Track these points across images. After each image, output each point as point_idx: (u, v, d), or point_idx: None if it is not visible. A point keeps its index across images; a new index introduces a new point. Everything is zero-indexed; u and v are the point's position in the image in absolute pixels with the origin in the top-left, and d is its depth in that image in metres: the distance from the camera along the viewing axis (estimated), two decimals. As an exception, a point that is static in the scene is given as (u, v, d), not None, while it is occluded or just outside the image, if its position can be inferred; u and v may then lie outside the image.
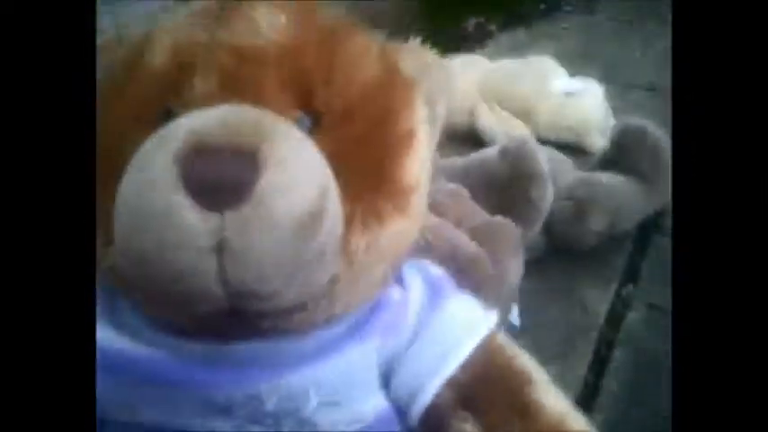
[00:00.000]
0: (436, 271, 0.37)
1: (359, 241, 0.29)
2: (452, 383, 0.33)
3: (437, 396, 0.32)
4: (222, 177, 0.24)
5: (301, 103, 0.29)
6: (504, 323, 0.63)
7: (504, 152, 0.71)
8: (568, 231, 0.76)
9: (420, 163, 0.32)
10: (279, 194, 0.24)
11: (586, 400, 0.65)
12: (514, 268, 0.63)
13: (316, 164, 0.27)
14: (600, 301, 0.77)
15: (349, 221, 0.28)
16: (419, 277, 0.36)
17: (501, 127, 0.99)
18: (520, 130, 0.97)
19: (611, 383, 0.68)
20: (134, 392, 0.31)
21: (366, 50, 0.32)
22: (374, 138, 0.30)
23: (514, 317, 0.65)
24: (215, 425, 0.31)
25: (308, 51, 0.30)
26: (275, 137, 0.25)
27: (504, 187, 0.70)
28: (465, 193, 0.71)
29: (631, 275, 0.81)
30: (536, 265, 0.77)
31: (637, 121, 0.80)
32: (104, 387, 0.30)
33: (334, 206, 0.27)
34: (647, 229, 0.85)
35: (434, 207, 0.67)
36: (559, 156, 0.84)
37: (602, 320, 0.75)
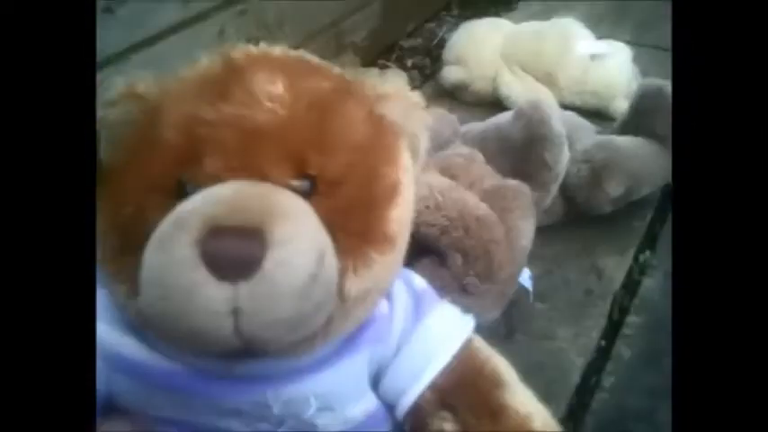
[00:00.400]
0: (420, 282, 0.41)
1: (351, 287, 0.33)
2: (433, 387, 0.37)
3: (420, 398, 0.37)
4: (235, 255, 0.28)
5: (298, 171, 0.33)
6: (515, 284, 0.63)
7: (519, 115, 0.70)
8: (585, 196, 0.75)
9: (405, 208, 0.36)
10: (283, 267, 0.29)
11: (598, 364, 0.65)
12: (526, 230, 0.63)
13: (314, 233, 0.31)
14: (617, 267, 0.76)
15: (343, 272, 0.33)
16: (404, 289, 0.40)
17: (524, 93, 0.97)
18: (543, 96, 0.95)
19: (623, 348, 0.68)
20: (151, 394, 0.36)
21: (355, 114, 0.35)
22: (363, 197, 0.34)
23: (525, 279, 0.65)
24: (227, 423, 0.35)
25: (302, 122, 0.33)
26: (278, 215, 0.30)
27: (519, 150, 0.70)
28: (479, 156, 0.71)
29: (650, 243, 0.80)
30: (554, 230, 0.77)
31: (655, 81, 0.78)
32: (120, 385, 0.35)
33: (330, 264, 0.31)
34: (667, 196, 0.83)
35: (447, 170, 0.67)
36: (579, 120, 0.83)
37: (617, 286, 0.74)
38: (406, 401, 0.37)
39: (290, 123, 0.33)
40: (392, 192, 0.35)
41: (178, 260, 0.28)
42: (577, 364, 0.64)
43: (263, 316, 0.29)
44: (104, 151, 0.36)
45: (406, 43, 1.22)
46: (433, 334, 0.39)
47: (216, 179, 0.32)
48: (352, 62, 1.06)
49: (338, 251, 0.32)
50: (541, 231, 0.68)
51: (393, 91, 0.38)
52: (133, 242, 0.32)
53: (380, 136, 0.36)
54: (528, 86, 0.99)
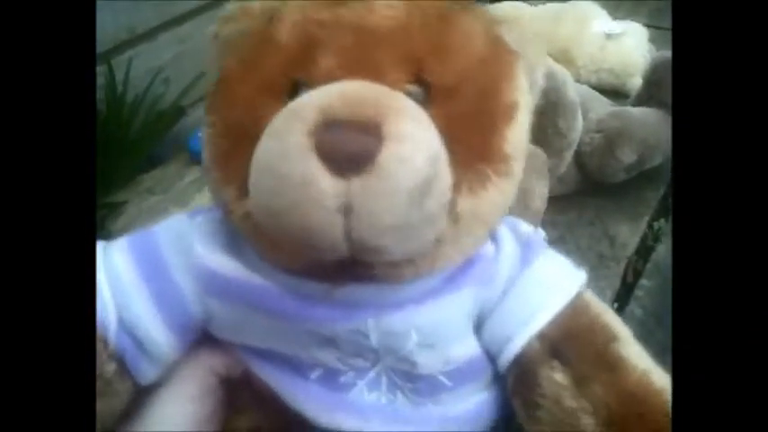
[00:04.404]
0: (527, 228, 0.39)
1: (464, 205, 0.31)
2: (542, 336, 0.35)
3: (526, 346, 0.35)
4: (349, 148, 0.27)
5: (414, 76, 0.32)
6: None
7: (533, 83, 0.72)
8: (599, 164, 0.77)
9: (521, 131, 0.34)
10: (398, 164, 0.27)
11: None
12: (539, 192, 0.65)
13: (430, 136, 0.29)
14: (630, 234, 0.78)
15: (456, 187, 0.31)
16: (510, 233, 0.38)
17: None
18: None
19: (636, 310, 0.70)
20: (244, 317, 0.34)
21: (473, 27, 0.34)
22: (480, 110, 0.32)
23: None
24: (319, 355, 0.34)
25: (420, 28, 0.32)
26: (394, 112, 0.28)
27: (534, 117, 0.71)
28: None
29: (664, 211, 0.82)
30: (568, 199, 0.79)
31: (667, 53, 0.79)
32: (215, 309, 0.34)
33: (444, 174, 0.29)
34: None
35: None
36: (593, 92, 0.85)
37: (630, 252, 0.76)
38: (512, 349, 0.35)
39: (408, 28, 0.32)
40: (510, 110, 0.33)
41: (292, 148, 0.28)
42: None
43: (373, 217, 0.27)
44: (217, 63, 0.35)
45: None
46: (542, 280, 0.36)
47: (330, 78, 0.31)
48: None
49: (452, 164, 0.30)
50: (555, 200, 0.70)
51: (510, 17, 0.37)
52: (243, 143, 0.31)
53: (498, 52, 0.34)
54: (546, 65, 1.00)
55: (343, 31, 0.32)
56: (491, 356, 0.36)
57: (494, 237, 0.37)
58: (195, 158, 0.90)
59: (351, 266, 0.31)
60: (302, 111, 0.29)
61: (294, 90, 0.32)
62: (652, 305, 0.69)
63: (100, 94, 0.83)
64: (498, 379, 0.37)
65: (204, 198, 0.81)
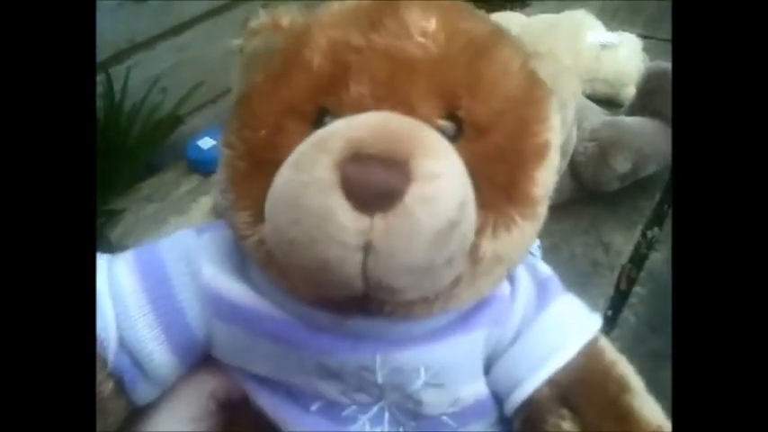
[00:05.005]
0: (544, 269, 0.38)
1: (486, 248, 0.30)
2: (552, 382, 0.34)
3: (536, 391, 0.34)
4: (375, 184, 0.26)
5: (446, 111, 0.30)
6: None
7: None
8: (593, 173, 0.77)
9: (551, 172, 0.33)
10: (424, 205, 0.26)
11: (604, 331, 0.67)
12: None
13: (459, 177, 0.28)
14: (624, 242, 0.79)
15: (480, 229, 0.30)
16: (527, 274, 0.37)
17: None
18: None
19: (630, 318, 0.70)
20: (248, 343, 0.33)
21: (511, 62, 0.32)
22: (512, 150, 0.31)
23: (534, 248, 0.67)
24: (321, 386, 0.33)
25: (456, 61, 0.31)
26: (424, 149, 0.27)
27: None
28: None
29: (658, 220, 0.82)
30: (562, 208, 0.79)
31: (661, 63, 0.80)
32: (219, 333, 0.33)
33: (470, 215, 0.28)
34: (676, 176, 0.85)
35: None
36: (587, 101, 0.85)
37: (624, 260, 0.76)
38: (521, 393, 0.34)
39: (443, 61, 0.31)
40: (542, 150, 0.32)
41: (315, 181, 0.26)
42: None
43: (393, 258, 0.26)
44: (240, 78, 0.34)
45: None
46: (556, 325, 0.35)
47: (360, 107, 0.30)
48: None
49: (478, 205, 0.29)
50: (550, 209, 0.68)
51: (545, 50, 0.35)
52: (263, 166, 0.30)
53: (533, 90, 0.33)
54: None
55: (376, 58, 0.31)
56: (498, 398, 0.35)
57: (510, 277, 0.36)
58: (192, 167, 0.90)
59: (362, 301, 0.30)
60: (329, 141, 0.28)
61: (320, 116, 0.31)
62: (646, 312, 0.70)
63: (98, 103, 0.83)
64: (504, 421, 0.36)
65: (201, 208, 0.81)
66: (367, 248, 0.26)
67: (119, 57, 0.88)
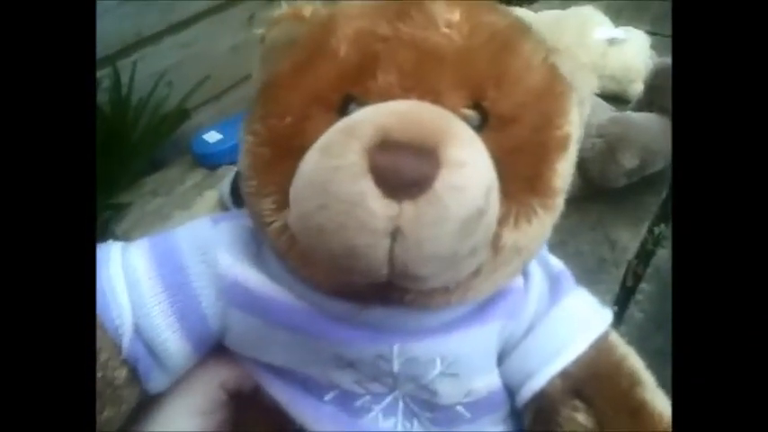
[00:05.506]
0: (557, 263, 0.38)
1: (508, 238, 0.31)
2: (565, 375, 0.34)
3: (548, 384, 0.34)
4: (405, 171, 0.26)
5: (472, 101, 0.31)
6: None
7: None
8: (600, 169, 0.77)
9: (570, 165, 0.34)
10: (453, 192, 0.26)
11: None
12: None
13: (485, 164, 0.28)
14: (631, 238, 0.78)
15: (503, 219, 0.30)
16: (540, 269, 0.38)
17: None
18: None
19: (636, 314, 0.70)
20: (264, 332, 0.33)
21: (534, 56, 0.33)
22: (536, 141, 0.32)
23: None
24: (336, 376, 0.33)
25: (480, 52, 0.31)
26: (453, 137, 0.27)
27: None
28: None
29: (664, 216, 0.82)
30: (569, 204, 0.79)
31: (667, 60, 0.80)
32: (234, 322, 0.34)
33: (495, 205, 0.29)
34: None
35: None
36: (594, 98, 0.85)
37: (630, 256, 0.76)
38: (533, 385, 0.34)
39: (468, 52, 0.31)
40: (564, 143, 0.32)
41: (345, 166, 0.26)
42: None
43: (421, 244, 0.26)
44: (262, 68, 0.35)
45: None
46: (569, 318, 0.35)
47: (387, 96, 0.30)
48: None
49: (501, 195, 0.29)
50: None
51: (564, 46, 0.36)
52: (288, 154, 0.30)
53: (555, 84, 0.33)
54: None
55: (404, 48, 0.31)
56: (510, 391, 0.35)
57: (524, 270, 0.36)
58: (198, 161, 0.90)
59: (384, 289, 0.30)
60: (359, 128, 0.27)
61: (345, 105, 0.31)
62: (652, 309, 0.70)
63: (105, 97, 0.84)
64: (516, 414, 0.36)
65: (206, 202, 0.82)
66: (395, 235, 0.26)
67: (125, 51, 0.88)
